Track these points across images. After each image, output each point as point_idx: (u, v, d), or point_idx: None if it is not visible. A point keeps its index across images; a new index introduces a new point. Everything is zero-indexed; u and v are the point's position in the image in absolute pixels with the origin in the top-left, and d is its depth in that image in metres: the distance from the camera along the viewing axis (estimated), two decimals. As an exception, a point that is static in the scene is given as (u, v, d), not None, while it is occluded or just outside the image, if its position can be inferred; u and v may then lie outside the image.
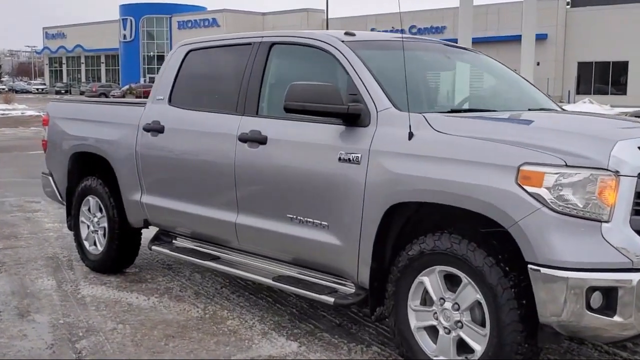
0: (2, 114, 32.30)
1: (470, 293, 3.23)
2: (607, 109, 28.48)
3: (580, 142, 3.09)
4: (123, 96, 49.66)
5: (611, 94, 45.58)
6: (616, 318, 2.89)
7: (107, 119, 5.48)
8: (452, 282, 3.35)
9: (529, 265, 2.98)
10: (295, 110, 3.79)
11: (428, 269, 3.39)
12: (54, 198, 6.22)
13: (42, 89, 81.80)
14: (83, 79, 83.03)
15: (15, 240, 6.79)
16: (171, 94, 4.99)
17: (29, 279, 5.45)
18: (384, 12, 54.61)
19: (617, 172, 2.92)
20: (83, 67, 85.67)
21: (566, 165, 2.95)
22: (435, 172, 3.31)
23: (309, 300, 4.64)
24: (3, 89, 70.99)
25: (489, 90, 4.98)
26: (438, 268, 3.35)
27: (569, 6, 49.05)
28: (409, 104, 3.58)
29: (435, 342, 3.43)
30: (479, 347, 3.23)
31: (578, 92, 45.86)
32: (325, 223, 3.81)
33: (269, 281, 4.20)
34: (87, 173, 5.70)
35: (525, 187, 2.99)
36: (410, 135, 3.46)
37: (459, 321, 3.30)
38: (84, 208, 5.74)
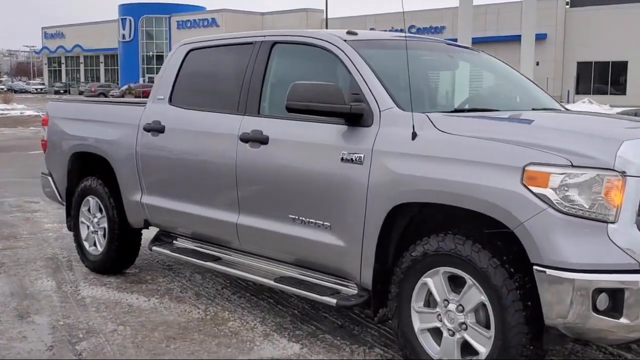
0: (1, 114, 32.26)
1: (474, 295, 3.20)
2: (606, 109, 28.45)
3: (586, 142, 3.06)
4: (122, 96, 49.63)
5: (610, 94, 45.56)
6: (622, 320, 2.86)
7: (107, 118, 5.45)
8: (456, 284, 3.31)
9: (535, 267, 2.95)
10: (298, 109, 3.76)
11: (432, 270, 3.36)
12: (53, 198, 6.19)
13: (41, 89, 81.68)
14: (82, 79, 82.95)
15: (14, 241, 6.76)
16: (172, 94, 4.96)
17: (28, 280, 5.42)
18: (383, 12, 54.63)
19: (624, 172, 2.89)
20: (82, 67, 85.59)
21: (572, 166, 2.92)
22: (439, 172, 3.27)
23: (310, 301, 4.61)
24: (2, 88, 70.89)
25: (492, 89, 4.95)
26: (442, 269, 3.32)
27: (568, 6, 49.02)
28: (412, 104, 3.54)
29: (439, 344, 3.40)
30: (483, 350, 3.20)
31: (577, 92, 45.84)
32: (328, 224, 3.78)
33: (271, 282, 4.17)
34: (87, 173, 5.67)
35: (530, 187, 2.96)
36: (414, 135, 3.43)
37: (463, 323, 3.27)
38: (83, 208, 5.70)
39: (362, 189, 3.56)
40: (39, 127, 18.37)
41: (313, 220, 3.86)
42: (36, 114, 30.84)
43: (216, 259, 4.62)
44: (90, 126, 5.56)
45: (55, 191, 6.03)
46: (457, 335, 3.30)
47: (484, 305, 3.18)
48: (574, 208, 2.90)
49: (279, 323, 4.44)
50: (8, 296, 5.01)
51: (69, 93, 72.65)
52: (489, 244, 3.17)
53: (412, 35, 4.60)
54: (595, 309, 2.87)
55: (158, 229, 5.21)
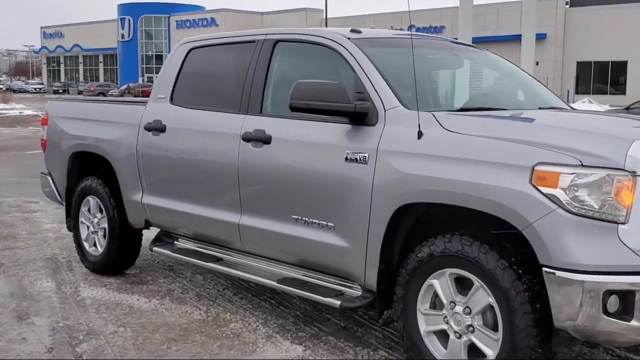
0: (0, 114, 32.19)
1: (482, 296, 3.15)
2: (606, 109, 28.43)
3: (595, 142, 3.01)
4: (121, 96, 49.55)
5: (610, 93, 45.53)
6: (633, 322, 2.82)
7: (108, 118, 5.40)
8: (462, 285, 3.26)
9: (544, 268, 2.90)
10: (301, 108, 3.71)
11: (438, 272, 3.30)
12: (53, 198, 6.13)
13: (40, 89, 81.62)
14: (81, 79, 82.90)
15: (13, 241, 6.70)
16: (173, 93, 4.90)
17: (27, 281, 5.36)
18: (383, 12, 54.59)
19: (634, 172, 2.84)
20: (81, 67, 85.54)
21: (582, 165, 2.87)
22: (445, 172, 3.22)
23: (312, 302, 4.56)
24: (1, 88, 70.80)
25: (498, 88, 4.89)
26: (448, 271, 3.26)
27: (567, 6, 49.00)
28: (418, 102, 3.49)
29: (445, 347, 3.34)
30: (491, 352, 3.14)
31: (577, 92, 45.78)
32: (332, 224, 3.73)
33: (273, 283, 4.12)
34: (86, 173, 5.62)
35: (539, 187, 2.91)
36: (420, 134, 3.38)
37: (471, 325, 3.21)
38: (83, 208, 5.65)
39: (367, 189, 3.51)
40: (38, 127, 18.36)
41: (316, 221, 3.81)
42: (35, 113, 30.80)
43: (218, 260, 4.57)
44: (90, 125, 5.51)
45: (55, 191, 5.98)
46: (464, 338, 3.25)
47: (491, 307, 3.13)
48: (584, 208, 2.85)
49: (281, 324, 4.39)
50: (7, 297, 4.95)
51: (68, 93, 72.56)
52: (497, 245, 3.12)
53: (417, 33, 4.54)
54: (605, 311, 2.82)
55: (159, 229, 5.16)
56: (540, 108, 4.29)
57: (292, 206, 3.95)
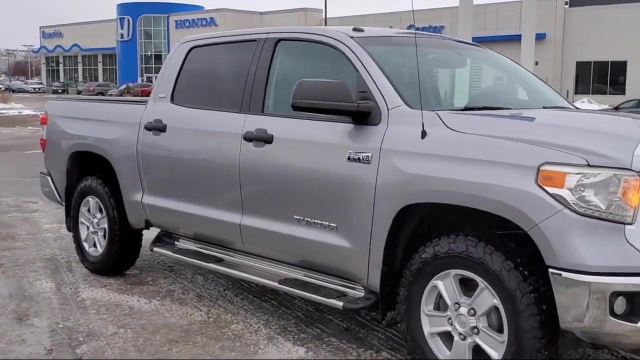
0: (-1, 114, 32.17)
1: (487, 298, 3.11)
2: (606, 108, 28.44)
3: (602, 141, 2.98)
4: (120, 95, 49.51)
5: (610, 93, 45.49)
6: (640, 324, 2.78)
7: (107, 117, 5.37)
8: (467, 287, 3.22)
9: (550, 269, 2.86)
10: (303, 108, 3.67)
11: (442, 273, 3.27)
12: (52, 198, 6.10)
13: (39, 89, 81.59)
14: (80, 78, 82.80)
15: (12, 241, 6.67)
16: (173, 92, 4.87)
17: (27, 281, 5.33)
18: (383, 12, 54.58)
19: (641, 172, 2.80)
20: (80, 67, 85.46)
21: (588, 165, 2.83)
22: (449, 172, 3.19)
23: (314, 303, 4.53)
24: (0, 88, 70.77)
25: (501, 87, 4.86)
26: (453, 272, 3.23)
27: (567, 6, 48.99)
28: (422, 102, 3.45)
29: (449, 349, 3.31)
30: (496, 354, 3.11)
31: (576, 92, 45.78)
32: (334, 225, 3.70)
33: (275, 284, 4.08)
34: (86, 173, 5.58)
35: (546, 187, 2.87)
36: (424, 134, 3.34)
37: (475, 327, 3.18)
38: (83, 209, 5.61)
39: (370, 189, 3.47)
40: (37, 127, 18.30)
41: (318, 221, 3.77)
42: (34, 113, 30.75)
43: (218, 260, 4.53)
44: (90, 125, 5.48)
45: (54, 191, 5.94)
46: (469, 340, 3.21)
47: (496, 308, 3.09)
48: (591, 209, 2.82)
49: (283, 326, 4.35)
50: (6, 298, 4.91)
51: (67, 92, 72.54)
52: (502, 246, 3.08)
53: (420, 32, 4.51)
54: (612, 313, 2.79)
55: (159, 230, 5.12)
56: (544, 107, 4.26)
57: (294, 206, 3.91)
